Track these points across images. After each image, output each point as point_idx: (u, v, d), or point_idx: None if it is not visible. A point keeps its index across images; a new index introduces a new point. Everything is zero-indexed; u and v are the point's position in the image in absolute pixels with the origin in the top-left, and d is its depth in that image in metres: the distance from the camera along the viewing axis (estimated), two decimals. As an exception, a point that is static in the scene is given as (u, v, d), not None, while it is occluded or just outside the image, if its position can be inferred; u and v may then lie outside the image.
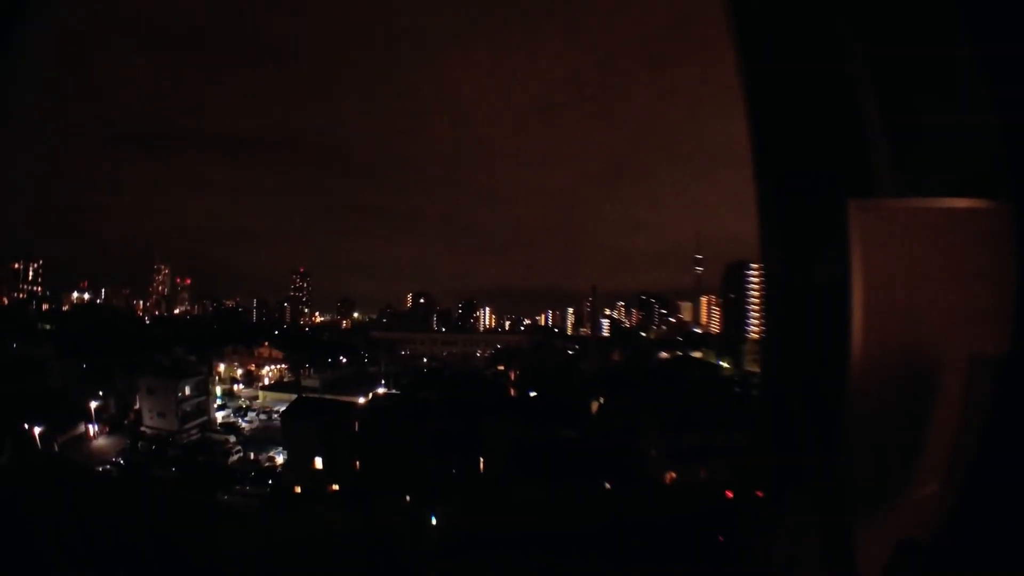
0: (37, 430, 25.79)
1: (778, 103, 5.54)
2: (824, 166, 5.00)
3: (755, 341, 47.01)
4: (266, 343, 60.50)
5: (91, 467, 30.34)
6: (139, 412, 40.32)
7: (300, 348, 61.74)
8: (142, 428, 39.50)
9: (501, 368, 61.34)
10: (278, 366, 57.31)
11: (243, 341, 58.48)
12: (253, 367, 55.97)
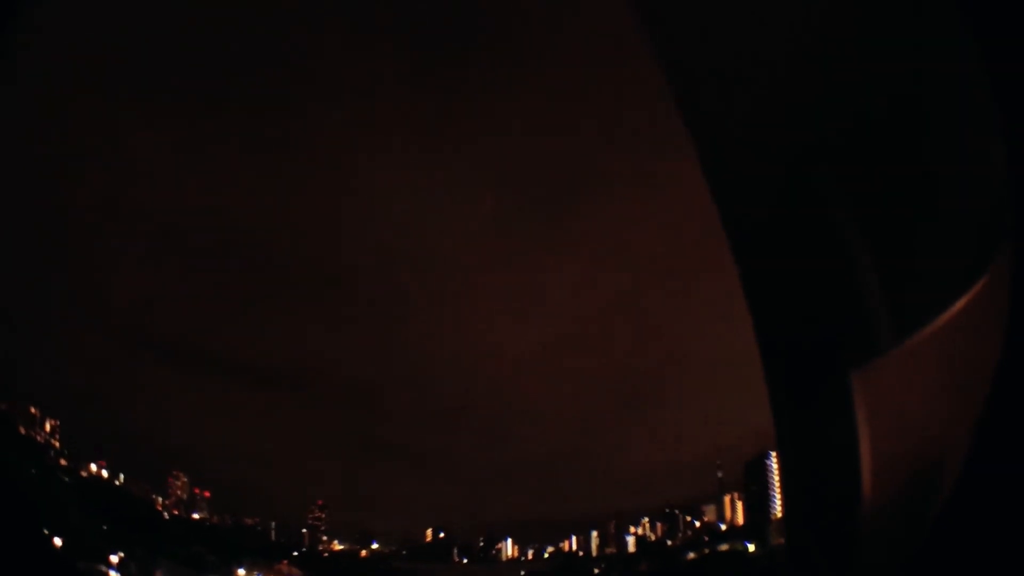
0: (57, 541, 24.22)
1: (774, 287, 6.54)
2: (825, 336, 5.97)
3: (779, 519, 45.21)
4: (285, 561, 58.34)
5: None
6: (160, 582, 39.88)
7: (320, 571, 59.44)
8: (163, 598, 38.81)
9: (526, 594, 58.61)
10: (298, 583, 56.18)
11: (262, 555, 56.01)
12: (273, 580, 54.96)
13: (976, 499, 4.11)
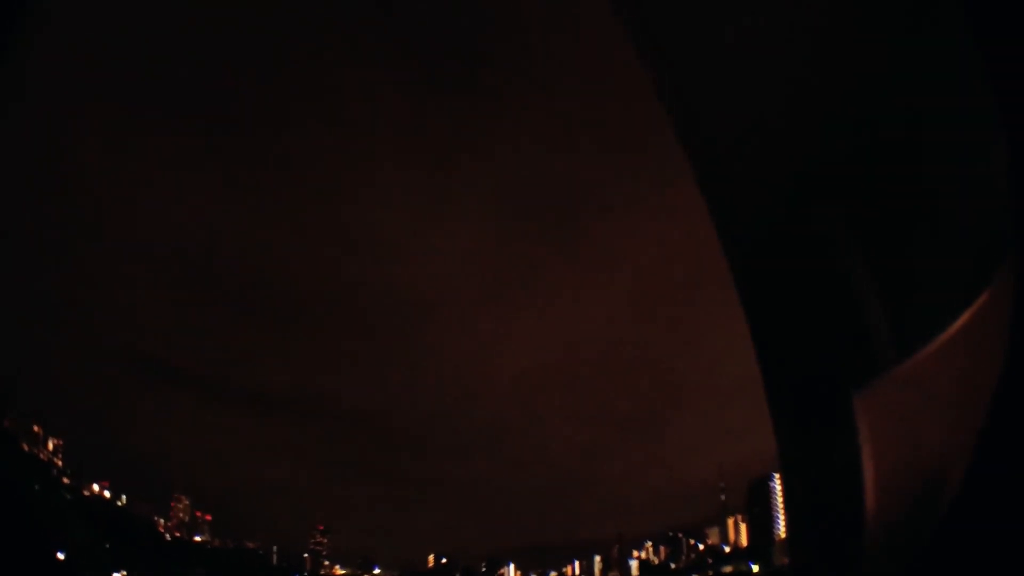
0: (60, 555, 24.02)
1: (776, 310, 6.20)
2: (827, 357, 5.35)
3: (783, 540, 46.10)
4: (288, 585, 59.66)
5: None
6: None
7: (323, 595, 61.06)
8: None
9: (527, 619, 59.07)
10: (302, 608, 56.96)
11: (265, 580, 57.54)
12: (277, 605, 55.33)
13: (977, 510, 4.10)
